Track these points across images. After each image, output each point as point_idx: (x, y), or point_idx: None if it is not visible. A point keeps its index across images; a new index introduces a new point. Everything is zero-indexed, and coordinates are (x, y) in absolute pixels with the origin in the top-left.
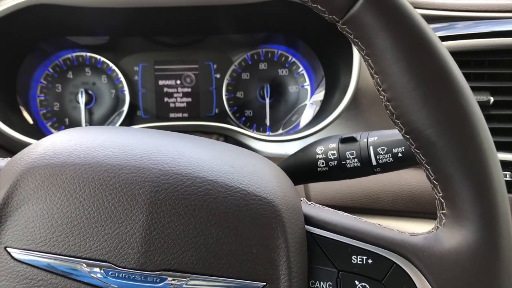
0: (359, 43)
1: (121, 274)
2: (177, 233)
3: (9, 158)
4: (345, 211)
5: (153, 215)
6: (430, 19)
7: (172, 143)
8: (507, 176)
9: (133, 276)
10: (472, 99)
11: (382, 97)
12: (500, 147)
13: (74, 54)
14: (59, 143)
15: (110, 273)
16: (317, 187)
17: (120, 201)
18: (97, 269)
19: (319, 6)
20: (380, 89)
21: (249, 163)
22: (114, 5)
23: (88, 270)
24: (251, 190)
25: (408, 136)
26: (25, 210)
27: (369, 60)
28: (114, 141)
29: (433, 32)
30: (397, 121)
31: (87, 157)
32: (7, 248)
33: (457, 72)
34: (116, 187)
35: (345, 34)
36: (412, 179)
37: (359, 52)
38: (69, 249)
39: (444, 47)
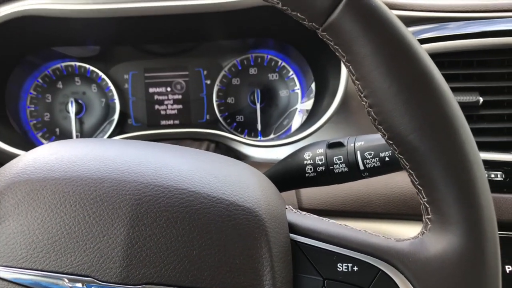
0: (340, 50)
1: None
2: (159, 246)
3: None
4: (337, 215)
5: (135, 228)
6: (417, 21)
7: (154, 155)
8: (498, 176)
9: None
10: (454, 103)
11: (364, 103)
12: (490, 147)
13: (63, 64)
14: (41, 158)
15: (92, 287)
16: (309, 192)
17: (101, 215)
18: (79, 284)
19: (298, 14)
20: (362, 95)
21: (233, 173)
22: (103, 15)
23: (70, 285)
24: (234, 200)
25: (391, 142)
26: (6, 226)
27: (350, 67)
28: (95, 154)
29: (413, 37)
30: (380, 126)
31: (68, 171)
32: None
33: (438, 76)
34: (97, 201)
35: (326, 41)
36: (403, 182)
37: (341, 59)
38: (50, 264)
39: (424, 52)
